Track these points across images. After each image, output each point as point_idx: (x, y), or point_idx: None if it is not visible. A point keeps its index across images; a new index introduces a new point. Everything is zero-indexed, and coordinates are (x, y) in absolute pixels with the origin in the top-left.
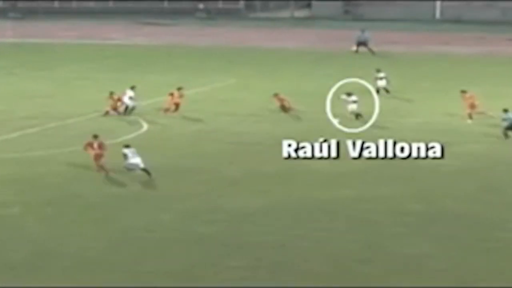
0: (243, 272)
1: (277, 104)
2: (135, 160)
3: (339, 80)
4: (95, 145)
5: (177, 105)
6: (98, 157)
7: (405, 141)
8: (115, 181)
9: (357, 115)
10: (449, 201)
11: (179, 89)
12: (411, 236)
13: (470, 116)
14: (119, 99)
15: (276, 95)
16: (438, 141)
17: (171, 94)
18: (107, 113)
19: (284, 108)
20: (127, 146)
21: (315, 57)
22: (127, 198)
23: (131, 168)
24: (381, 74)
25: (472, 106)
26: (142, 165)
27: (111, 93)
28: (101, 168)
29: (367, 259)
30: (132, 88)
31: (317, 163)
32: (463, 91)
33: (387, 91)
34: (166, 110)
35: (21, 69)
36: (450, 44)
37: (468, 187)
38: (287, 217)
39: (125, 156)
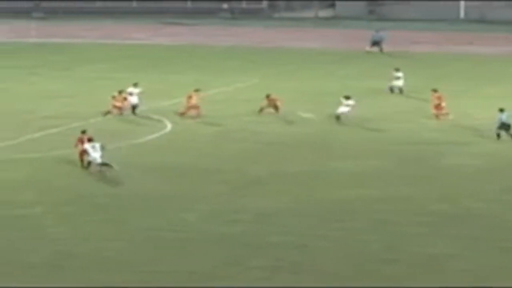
0: (264, 273)
1: (266, 104)
2: (94, 154)
3: (361, 80)
4: (85, 140)
5: (196, 107)
6: (84, 153)
7: (426, 141)
8: (137, 181)
9: (338, 117)
10: (470, 201)
11: (196, 90)
12: (433, 237)
13: (438, 117)
14: (125, 98)
15: (267, 96)
16: (458, 141)
17: (190, 97)
18: (108, 113)
19: (275, 108)
20: (89, 141)
21: (338, 57)
22: (148, 198)
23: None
24: (399, 74)
25: (438, 107)
26: (99, 160)
27: (120, 92)
28: (84, 163)
29: (389, 259)
30: (135, 85)
31: (339, 163)
32: (434, 90)
33: (401, 91)
34: (182, 113)
35: (44, 69)
36: (473, 44)
37: (489, 187)
38: (309, 217)
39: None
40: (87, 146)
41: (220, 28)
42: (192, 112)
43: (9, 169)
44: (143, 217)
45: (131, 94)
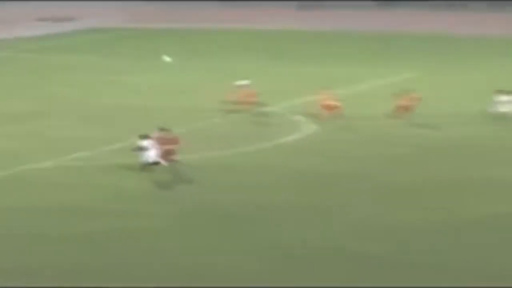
0: None
1: (398, 103)
2: (150, 153)
3: None
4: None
5: (334, 107)
6: (168, 152)
7: None
8: (269, 188)
9: (502, 117)
10: None
11: (324, 88)
12: None
13: None
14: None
15: (404, 93)
16: None
17: (319, 95)
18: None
19: (406, 109)
20: (145, 137)
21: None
22: (279, 209)
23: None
24: None
25: None
26: (152, 159)
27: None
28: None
29: None
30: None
31: (500, 171)
32: None
33: None
34: (319, 114)
35: (156, 60)
36: None
37: None
38: (461, 238)
39: (141, 148)
40: (145, 143)
41: (369, 11)
42: (330, 111)
43: (123, 176)
44: (269, 230)
45: (240, 88)
